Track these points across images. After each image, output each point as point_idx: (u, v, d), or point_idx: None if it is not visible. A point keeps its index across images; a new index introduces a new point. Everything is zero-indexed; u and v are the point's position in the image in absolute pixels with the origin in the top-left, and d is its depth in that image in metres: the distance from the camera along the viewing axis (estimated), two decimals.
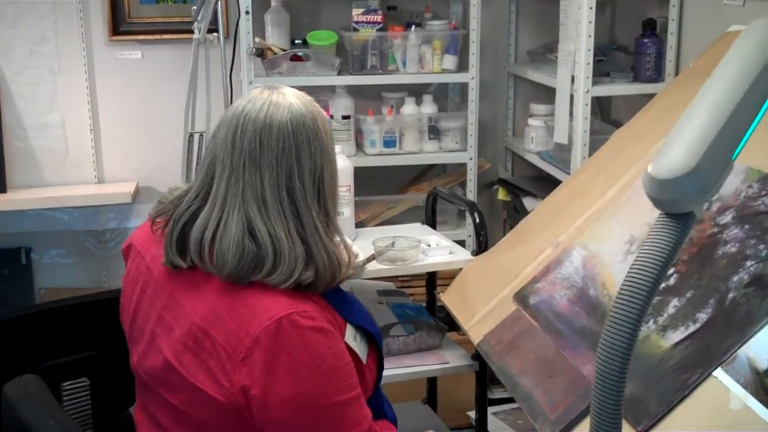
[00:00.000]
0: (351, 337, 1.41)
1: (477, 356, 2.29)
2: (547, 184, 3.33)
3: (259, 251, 1.32)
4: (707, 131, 0.98)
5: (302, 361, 1.29)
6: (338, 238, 1.43)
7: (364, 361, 1.43)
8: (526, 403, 1.63)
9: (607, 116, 3.28)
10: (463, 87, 3.25)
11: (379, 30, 3.07)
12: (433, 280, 2.61)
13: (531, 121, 3.19)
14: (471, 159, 3.21)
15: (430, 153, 3.24)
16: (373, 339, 1.47)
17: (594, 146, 2.75)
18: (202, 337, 1.32)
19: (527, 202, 3.23)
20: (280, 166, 1.35)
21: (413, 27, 3.12)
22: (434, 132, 3.22)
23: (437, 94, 3.31)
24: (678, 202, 0.96)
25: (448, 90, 3.43)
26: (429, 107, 3.21)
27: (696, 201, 0.96)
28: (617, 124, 3.17)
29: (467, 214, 3.14)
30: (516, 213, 3.25)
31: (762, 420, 1.24)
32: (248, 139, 1.36)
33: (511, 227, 3.11)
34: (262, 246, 1.33)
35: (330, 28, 3.14)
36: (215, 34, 2.82)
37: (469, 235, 3.23)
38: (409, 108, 3.19)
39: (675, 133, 1.01)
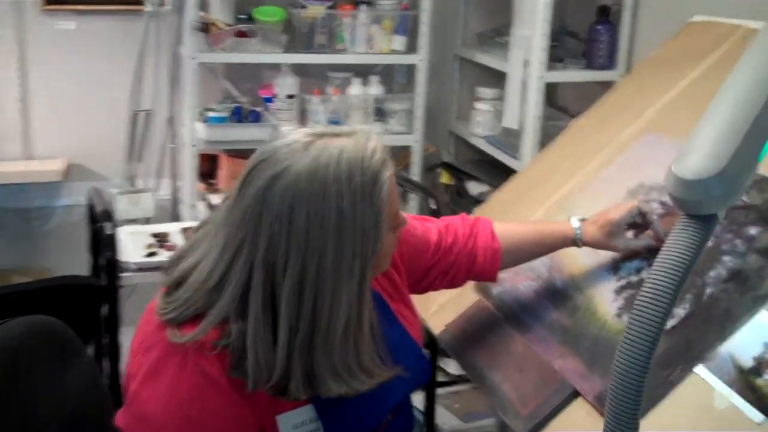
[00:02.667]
0: (296, 420, 1.27)
1: (427, 345, 2.25)
2: (491, 168, 3.31)
3: None
4: (734, 131, 0.95)
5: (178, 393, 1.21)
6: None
7: None
8: (494, 398, 1.59)
9: (553, 101, 3.26)
10: (410, 68, 3.20)
11: (328, 7, 2.98)
12: None
13: (477, 105, 3.15)
14: (417, 142, 3.16)
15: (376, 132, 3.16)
16: None
17: (544, 132, 2.73)
18: None
19: (470, 186, 3.20)
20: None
21: (363, 5, 3.03)
22: (380, 114, 3.16)
23: (382, 75, 3.23)
24: (703, 204, 0.93)
25: (393, 71, 3.36)
26: (375, 88, 3.14)
27: (722, 204, 0.93)
28: (564, 110, 3.16)
29: (420, 198, 3.10)
30: (459, 197, 3.22)
31: (750, 420, 1.22)
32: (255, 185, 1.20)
33: (454, 211, 3.08)
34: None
35: (277, 4, 3.03)
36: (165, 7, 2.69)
37: None
38: (355, 89, 3.12)
39: (699, 131, 0.97)
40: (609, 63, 2.76)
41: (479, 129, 3.13)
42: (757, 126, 0.94)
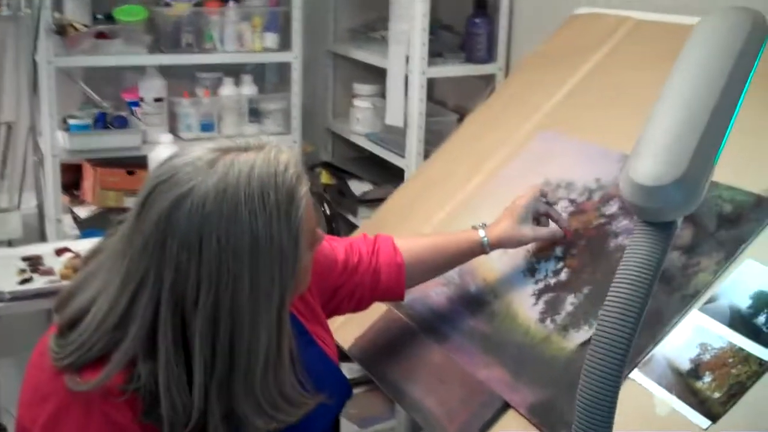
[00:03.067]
0: None
1: None
2: (372, 166, 3.24)
3: None
4: (688, 134, 0.93)
5: None
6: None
7: None
8: (418, 414, 1.52)
9: (430, 96, 3.20)
10: (282, 67, 3.08)
11: (194, 5, 2.82)
12: None
13: (357, 102, 3.06)
14: (295, 142, 3.04)
15: (250, 137, 3.01)
16: None
17: (426, 128, 2.68)
18: None
19: (353, 185, 3.11)
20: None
21: (231, 2, 2.89)
22: (255, 114, 3.03)
23: (254, 74, 3.10)
24: (663, 211, 0.90)
25: (265, 70, 3.23)
26: (248, 88, 3.01)
27: (682, 210, 0.91)
28: (443, 104, 3.13)
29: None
30: (341, 196, 3.13)
31: (696, 426, 1.19)
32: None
33: (338, 212, 2.99)
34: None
35: (139, 3, 2.85)
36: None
37: None
38: (227, 89, 2.97)
39: (649, 135, 0.94)
40: (488, 56, 2.73)
41: (359, 127, 3.05)
42: (712, 128, 0.91)
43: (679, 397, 1.23)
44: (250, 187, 1.07)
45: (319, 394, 1.21)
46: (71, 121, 2.76)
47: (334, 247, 1.49)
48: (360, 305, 1.54)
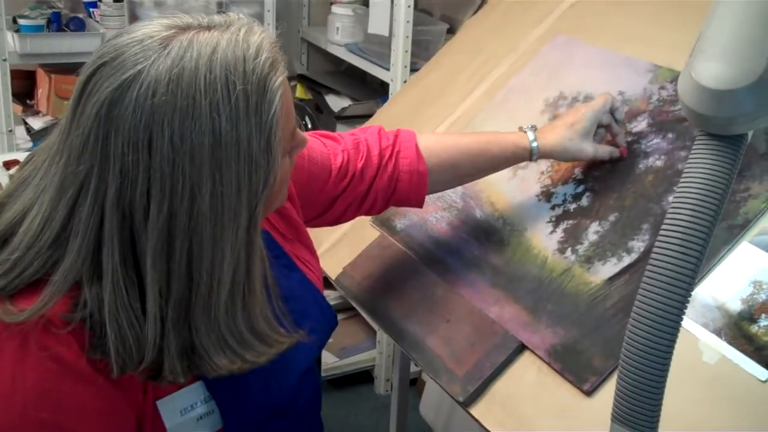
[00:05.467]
0: (182, 404, 0.99)
1: None
2: (351, 80, 3.03)
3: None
4: (765, 29, 0.76)
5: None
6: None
7: None
8: (420, 356, 1.34)
9: (415, 3, 2.98)
10: None
11: None
12: None
13: (335, 9, 2.83)
14: None
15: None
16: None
17: (414, 38, 2.47)
18: None
19: (330, 100, 2.90)
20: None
21: None
22: None
23: None
24: (734, 121, 0.76)
25: None
26: None
27: (759, 119, 0.77)
28: (429, 13, 2.90)
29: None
30: (319, 112, 2.91)
31: (751, 375, 1.03)
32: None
33: (316, 128, 2.78)
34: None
35: None
36: None
37: None
38: None
39: (714, 29, 0.78)
40: None
41: (338, 36, 2.81)
42: None
43: (731, 343, 1.07)
44: (212, 75, 0.86)
45: (299, 330, 1.03)
46: (22, 22, 2.52)
47: (330, 147, 1.28)
48: (372, 211, 1.35)
